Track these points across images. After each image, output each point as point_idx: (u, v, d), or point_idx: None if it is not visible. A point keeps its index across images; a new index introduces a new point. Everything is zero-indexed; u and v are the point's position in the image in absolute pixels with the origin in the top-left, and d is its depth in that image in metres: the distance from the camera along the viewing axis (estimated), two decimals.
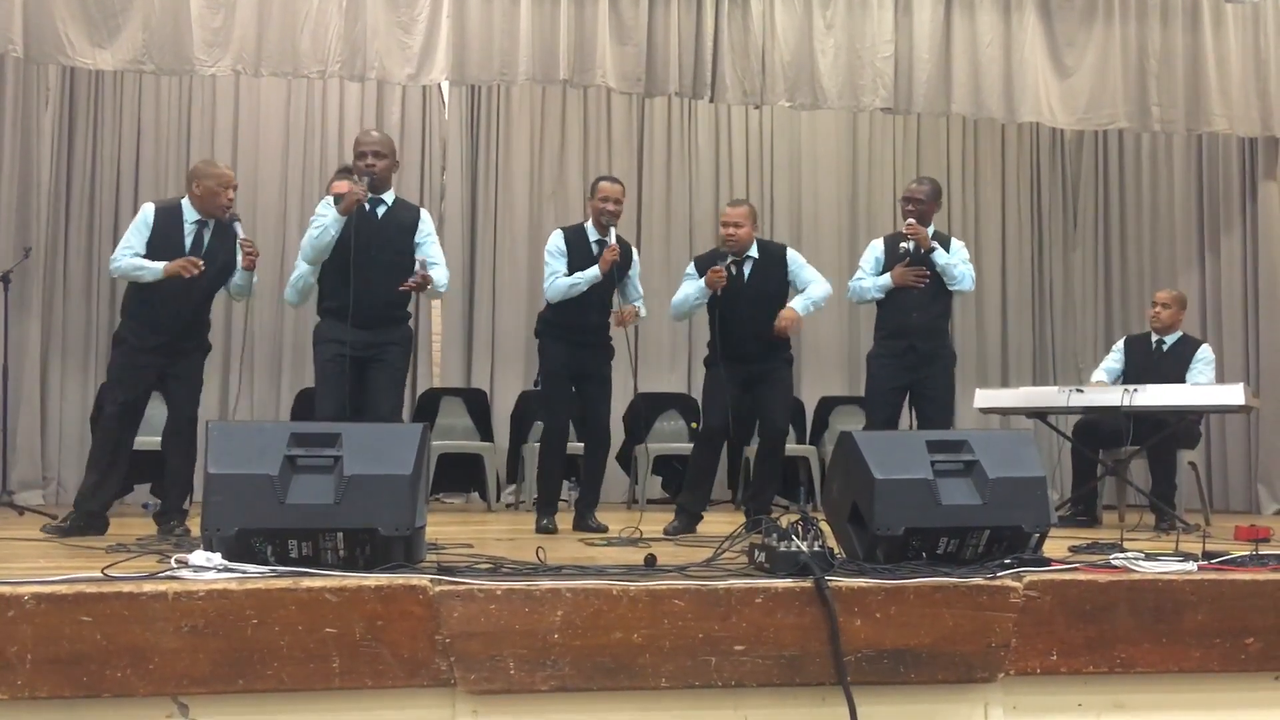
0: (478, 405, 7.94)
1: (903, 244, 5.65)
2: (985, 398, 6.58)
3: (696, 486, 5.44)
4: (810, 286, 5.42)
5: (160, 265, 4.77)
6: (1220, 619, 2.95)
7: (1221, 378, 7.98)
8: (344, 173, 5.58)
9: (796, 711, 2.80)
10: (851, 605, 2.79)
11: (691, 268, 5.52)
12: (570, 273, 5.27)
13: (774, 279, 5.41)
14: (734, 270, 5.33)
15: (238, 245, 4.92)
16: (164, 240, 4.87)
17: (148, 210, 4.96)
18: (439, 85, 8.13)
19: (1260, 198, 8.41)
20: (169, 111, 8.17)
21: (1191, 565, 3.11)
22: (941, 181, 9.13)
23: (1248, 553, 3.37)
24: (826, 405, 8.25)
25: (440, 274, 4.98)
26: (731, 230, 5.32)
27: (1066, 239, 9.40)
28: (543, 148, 8.68)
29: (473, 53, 6.94)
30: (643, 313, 5.52)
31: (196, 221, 4.92)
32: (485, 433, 7.79)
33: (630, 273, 5.47)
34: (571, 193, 8.64)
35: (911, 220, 5.58)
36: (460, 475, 7.81)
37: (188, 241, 4.90)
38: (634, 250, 5.58)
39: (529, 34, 6.93)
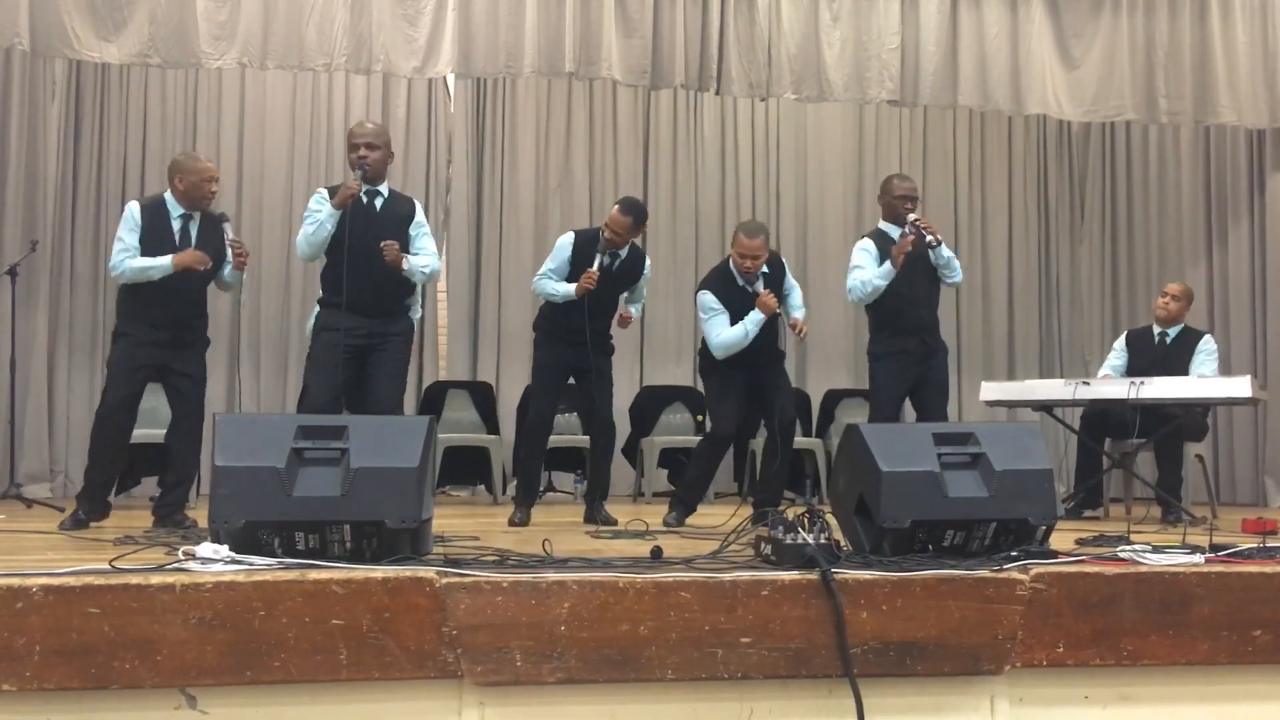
0: (483, 398, 7.94)
1: (927, 237, 5.47)
2: (991, 390, 6.56)
3: (699, 485, 5.47)
4: (792, 295, 5.52)
5: (168, 260, 4.77)
6: (1227, 611, 2.95)
7: (1229, 370, 7.96)
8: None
9: (802, 704, 2.80)
10: (858, 598, 2.79)
11: (713, 300, 5.33)
12: (572, 275, 5.27)
13: (779, 283, 5.43)
14: (758, 290, 5.31)
15: (226, 244, 4.93)
16: (153, 236, 4.87)
17: (134, 209, 4.94)
18: (444, 78, 8.12)
19: (1268, 190, 8.38)
20: (175, 105, 8.17)
21: (1198, 558, 3.10)
22: (948, 174, 9.23)
23: (1255, 545, 3.37)
24: (833, 398, 8.25)
25: (425, 261, 5.00)
26: (750, 264, 5.24)
27: (1073, 231, 9.38)
28: (548, 141, 8.67)
29: (478, 45, 6.93)
30: (635, 314, 5.66)
31: (182, 215, 4.93)
32: (491, 425, 7.79)
33: (639, 283, 5.52)
34: (577, 186, 8.64)
35: (918, 217, 5.51)
36: (466, 468, 7.81)
37: (177, 237, 4.90)
38: (645, 261, 5.55)
39: (534, 26, 6.92)
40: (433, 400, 7.87)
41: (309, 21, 6.74)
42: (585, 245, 5.32)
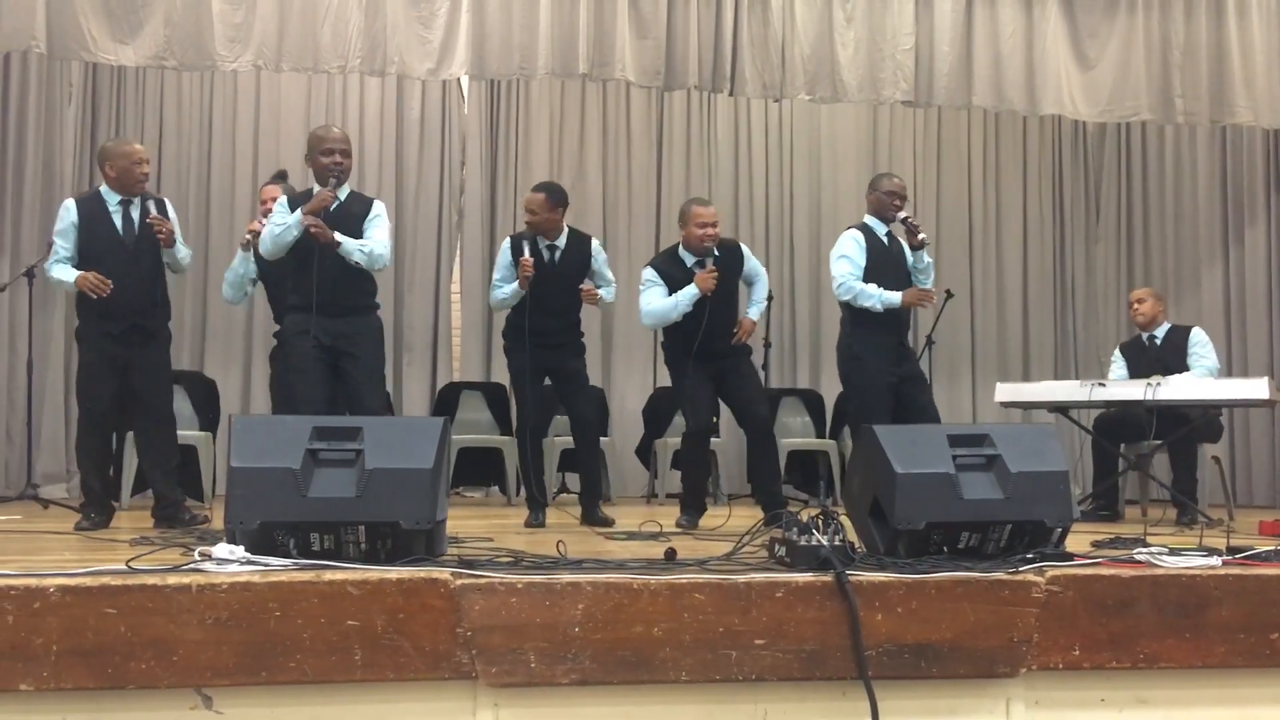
0: (497, 399, 7.95)
1: (920, 234, 5.49)
2: (1006, 392, 6.55)
3: (697, 484, 5.45)
4: (756, 287, 5.50)
5: (71, 279, 4.81)
6: (1245, 614, 2.94)
7: (1245, 371, 7.94)
8: (280, 177, 5.57)
9: (817, 706, 2.80)
10: (872, 600, 2.79)
11: (652, 274, 5.38)
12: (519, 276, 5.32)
13: (735, 273, 5.41)
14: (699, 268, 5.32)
15: (152, 209, 4.93)
16: (95, 229, 4.89)
17: (69, 207, 4.97)
18: (459, 80, 8.14)
19: None
20: (190, 107, 8.21)
21: (1216, 560, 3.09)
22: (962, 175, 9.20)
23: (1272, 548, 3.34)
24: (846, 399, 8.22)
25: (365, 242, 4.86)
26: (712, 230, 5.26)
27: (1089, 232, 9.34)
28: (562, 142, 8.68)
29: (492, 47, 6.94)
30: (604, 293, 5.51)
31: (120, 203, 4.94)
32: (505, 427, 7.79)
33: (593, 266, 5.47)
34: (590, 187, 8.64)
35: (909, 214, 5.51)
36: (480, 469, 7.82)
37: (119, 224, 4.91)
38: (591, 243, 5.52)
39: (548, 28, 6.93)
40: (447, 401, 7.88)
41: (324, 24, 6.76)
42: (518, 244, 5.36)
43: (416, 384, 8.38)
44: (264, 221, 5.16)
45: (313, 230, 4.75)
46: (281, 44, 6.75)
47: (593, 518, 5.25)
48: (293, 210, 4.86)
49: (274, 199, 5.42)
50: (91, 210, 4.92)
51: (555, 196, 5.37)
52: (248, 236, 5.53)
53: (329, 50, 6.78)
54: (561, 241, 5.38)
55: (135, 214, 4.95)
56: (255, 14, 6.70)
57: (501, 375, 8.34)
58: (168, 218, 5.00)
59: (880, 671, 2.76)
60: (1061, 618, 2.86)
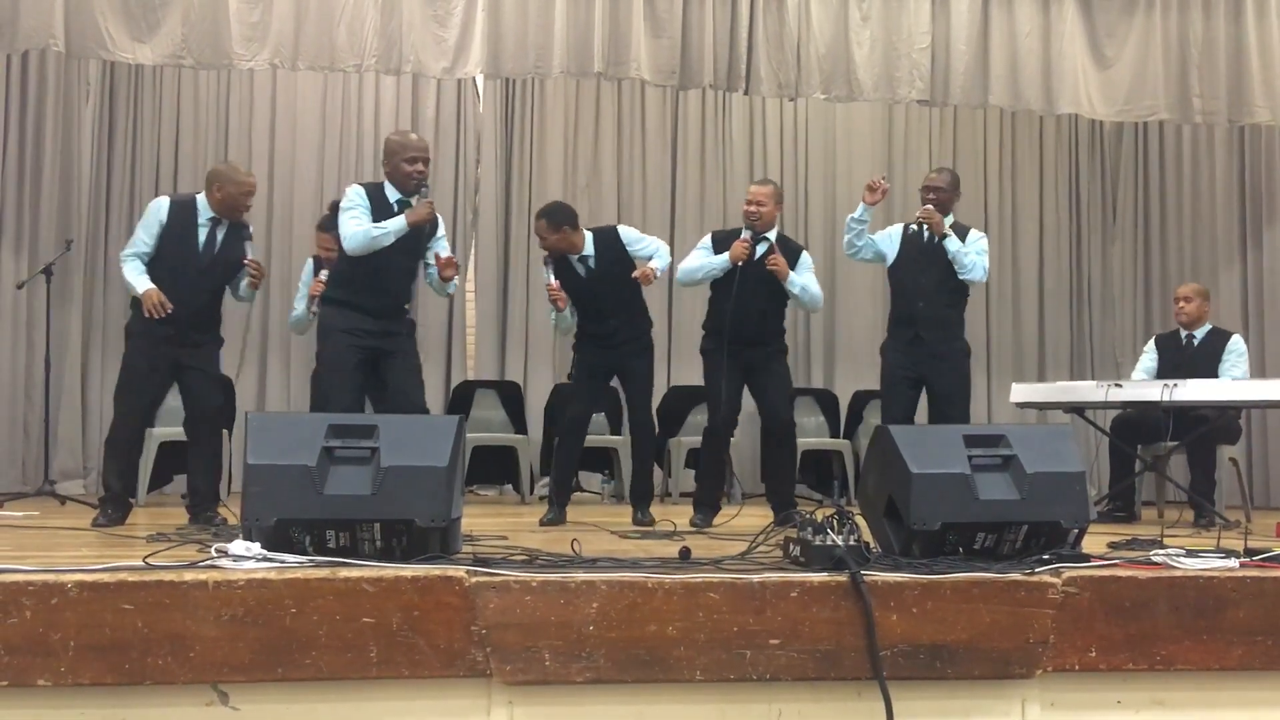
0: (512, 398, 7.96)
1: (913, 225, 5.60)
2: (1022, 392, 6.52)
3: (713, 481, 5.47)
4: (808, 281, 5.47)
5: (141, 290, 4.86)
6: (1262, 616, 2.92)
7: (1263, 372, 7.88)
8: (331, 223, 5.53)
9: (832, 706, 2.80)
10: (887, 600, 2.78)
11: (708, 240, 5.54)
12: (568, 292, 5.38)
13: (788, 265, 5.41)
14: (755, 250, 5.33)
15: (245, 261, 5.00)
16: (178, 235, 4.93)
17: (161, 205, 5.01)
18: (474, 78, 8.14)
19: None
20: (207, 105, 8.23)
21: (1233, 562, 3.08)
22: (978, 174, 9.15)
23: None
24: (860, 399, 8.21)
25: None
26: (755, 208, 5.32)
27: (1105, 232, 9.29)
28: (577, 141, 8.67)
29: (507, 46, 6.95)
30: (657, 263, 5.36)
31: (210, 219, 4.99)
32: (519, 425, 7.80)
33: (640, 252, 5.41)
34: (605, 186, 8.64)
35: (928, 206, 5.55)
36: (494, 467, 7.82)
37: (201, 237, 4.96)
38: (619, 236, 5.49)
39: (563, 27, 6.94)
40: (461, 400, 7.89)
41: (340, 22, 6.78)
42: (557, 265, 5.38)
43: (431, 382, 8.34)
44: (324, 280, 5.19)
45: (446, 273, 4.92)
46: (298, 43, 6.77)
47: (641, 518, 5.24)
48: (372, 206, 4.80)
49: (328, 248, 5.43)
50: (181, 216, 4.97)
51: (554, 218, 5.38)
52: (315, 312, 5.41)
53: (345, 49, 6.80)
54: (589, 249, 5.38)
55: (220, 234, 5.00)
56: (272, 13, 6.72)
57: (516, 374, 8.39)
58: (248, 246, 5.07)
59: (895, 672, 2.75)
60: (1078, 619, 2.85)
